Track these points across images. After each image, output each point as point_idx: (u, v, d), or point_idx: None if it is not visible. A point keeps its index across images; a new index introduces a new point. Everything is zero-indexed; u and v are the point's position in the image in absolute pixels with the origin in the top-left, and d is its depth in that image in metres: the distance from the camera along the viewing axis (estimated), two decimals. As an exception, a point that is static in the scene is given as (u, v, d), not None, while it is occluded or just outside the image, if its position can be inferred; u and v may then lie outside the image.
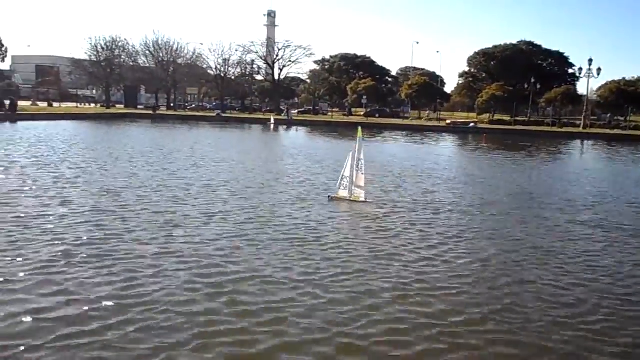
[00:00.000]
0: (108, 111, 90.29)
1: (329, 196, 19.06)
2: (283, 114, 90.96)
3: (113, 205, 16.44)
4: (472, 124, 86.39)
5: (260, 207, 17.26)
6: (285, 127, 77.70)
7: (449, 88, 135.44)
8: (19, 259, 10.76)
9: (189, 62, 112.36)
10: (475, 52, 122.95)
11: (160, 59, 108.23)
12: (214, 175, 24.18)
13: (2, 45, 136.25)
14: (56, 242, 12.05)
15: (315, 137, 59.95)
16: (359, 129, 18.94)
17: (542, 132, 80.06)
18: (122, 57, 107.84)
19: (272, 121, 79.26)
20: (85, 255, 11.18)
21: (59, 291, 9.30)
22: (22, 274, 9.95)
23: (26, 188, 18.80)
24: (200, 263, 11.08)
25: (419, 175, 27.35)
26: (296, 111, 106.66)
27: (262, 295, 9.50)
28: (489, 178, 28.28)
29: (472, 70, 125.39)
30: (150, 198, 17.97)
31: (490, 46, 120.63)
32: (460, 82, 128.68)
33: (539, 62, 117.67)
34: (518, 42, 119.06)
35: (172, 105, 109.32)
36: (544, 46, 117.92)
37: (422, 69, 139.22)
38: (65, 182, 20.27)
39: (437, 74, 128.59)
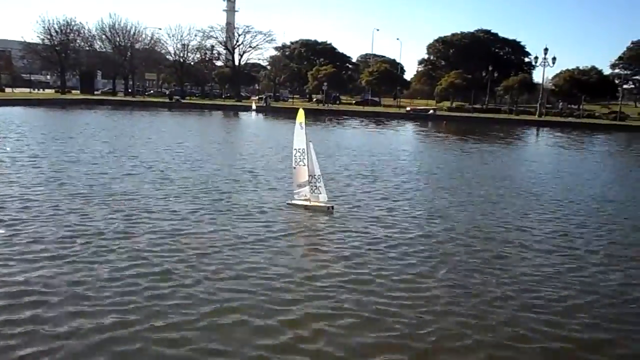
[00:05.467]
0: (64, 97, 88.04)
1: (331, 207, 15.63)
2: (261, 102, 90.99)
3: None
4: (431, 111, 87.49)
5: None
6: (263, 114, 77.53)
7: (408, 75, 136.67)
8: None
9: (147, 47, 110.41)
10: (434, 40, 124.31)
11: (117, 43, 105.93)
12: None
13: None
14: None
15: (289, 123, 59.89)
16: (301, 111, 15.77)
17: (499, 119, 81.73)
18: (77, 41, 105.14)
19: (254, 107, 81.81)
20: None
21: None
22: None
23: None
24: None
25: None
26: (257, 97, 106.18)
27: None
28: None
29: (432, 57, 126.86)
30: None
31: (449, 34, 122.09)
32: (420, 69, 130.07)
33: (496, 50, 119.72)
34: (476, 30, 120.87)
35: (129, 90, 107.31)
36: (501, 35, 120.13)
37: (383, 56, 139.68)
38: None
39: (397, 61, 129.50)
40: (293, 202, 15.98)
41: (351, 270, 10.59)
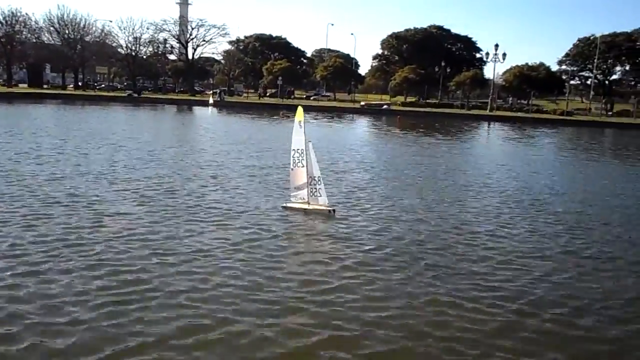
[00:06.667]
0: (11, 90, 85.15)
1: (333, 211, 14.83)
2: (216, 96, 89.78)
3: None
4: (385, 106, 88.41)
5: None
6: (217, 109, 76.97)
7: (363, 70, 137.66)
8: None
9: (98, 40, 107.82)
10: (388, 35, 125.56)
11: (66, 36, 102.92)
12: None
13: None
14: None
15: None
16: (300, 109, 14.92)
17: (452, 114, 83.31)
18: (24, 32, 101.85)
19: (211, 101, 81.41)
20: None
21: None
22: None
23: None
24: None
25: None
26: (211, 92, 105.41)
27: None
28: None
29: (386, 53, 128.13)
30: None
31: (403, 30, 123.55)
32: (374, 64, 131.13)
33: (449, 46, 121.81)
34: (429, 26, 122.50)
35: (80, 84, 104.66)
36: (453, 31, 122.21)
37: (337, 51, 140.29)
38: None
39: (352, 56, 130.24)
40: (289, 205, 15.08)
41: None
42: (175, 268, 10.09)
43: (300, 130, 14.56)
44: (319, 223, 14.00)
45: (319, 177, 14.56)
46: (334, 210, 14.56)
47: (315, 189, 14.55)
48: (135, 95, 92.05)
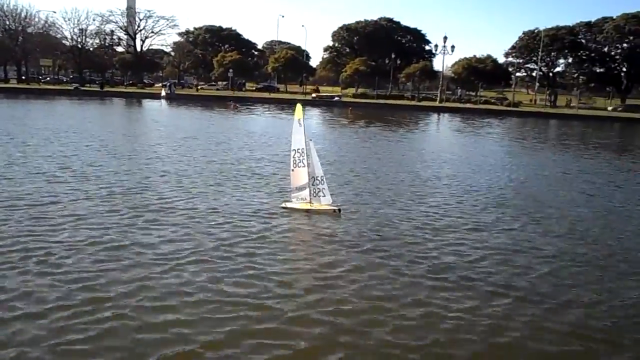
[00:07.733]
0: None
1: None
2: (166, 89, 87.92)
3: None
4: (336, 98, 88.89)
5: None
6: (168, 101, 75.88)
7: (314, 62, 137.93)
8: None
9: (41, 31, 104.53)
10: (339, 27, 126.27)
11: (6, 27, 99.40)
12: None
13: None
14: None
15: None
16: (299, 106, 14.42)
17: (403, 105, 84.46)
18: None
19: (163, 94, 79.94)
20: None
21: None
22: None
23: None
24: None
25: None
26: (160, 85, 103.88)
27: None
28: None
29: (337, 45, 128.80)
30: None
31: (353, 22, 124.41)
32: (325, 56, 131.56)
33: (399, 38, 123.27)
34: (379, 18, 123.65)
35: (23, 77, 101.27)
36: (403, 23, 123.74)
37: (288, 43, 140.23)
38: None
39: (303, 48, 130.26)
40: (289, 205, 14.52)
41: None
42: (165, 271, 9.65)
43: (300, 129, 14.11)
44: (320, 222, 13.48)
45: (321, 176, 14.16)
46: (339, 210, 14.10)
47: (318, 189, 14.13)
48: (99, 89, 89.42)
